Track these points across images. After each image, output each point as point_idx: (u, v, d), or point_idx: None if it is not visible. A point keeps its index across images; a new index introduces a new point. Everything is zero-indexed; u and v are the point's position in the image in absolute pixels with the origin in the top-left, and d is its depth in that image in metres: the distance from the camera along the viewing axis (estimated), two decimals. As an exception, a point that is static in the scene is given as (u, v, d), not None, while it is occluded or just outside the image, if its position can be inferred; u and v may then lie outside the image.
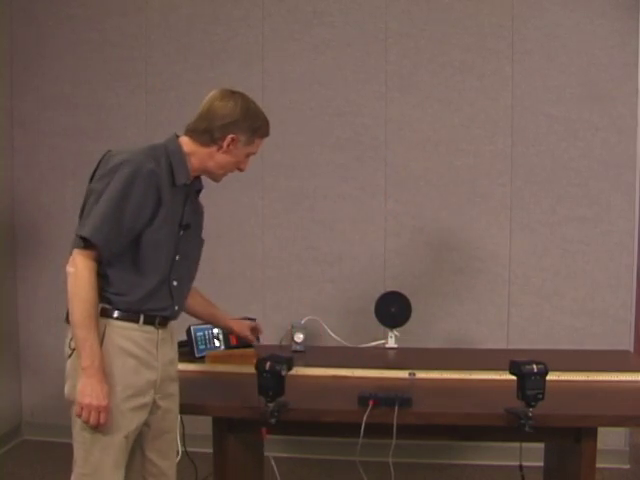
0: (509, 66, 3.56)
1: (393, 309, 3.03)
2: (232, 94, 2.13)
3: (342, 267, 3.70)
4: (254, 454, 2.71)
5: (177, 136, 2.12)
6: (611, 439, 3.43)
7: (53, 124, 3.83)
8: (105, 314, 1.99)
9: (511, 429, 2.05)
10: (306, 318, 3.10)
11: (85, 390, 1.90)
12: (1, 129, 3.83)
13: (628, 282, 3.57)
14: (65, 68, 3.81)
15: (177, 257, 2.08)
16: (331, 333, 3.20)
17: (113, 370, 1.97)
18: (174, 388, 2.16)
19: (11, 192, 3.89)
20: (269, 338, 2.99)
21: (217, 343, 2.78)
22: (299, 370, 2.47)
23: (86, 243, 1.93)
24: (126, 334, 2.01)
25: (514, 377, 2.06)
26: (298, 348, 2.90)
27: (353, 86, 3.65)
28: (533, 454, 2.65)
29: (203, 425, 2.39)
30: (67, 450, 2.06)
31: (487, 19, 3.56)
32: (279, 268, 3.74)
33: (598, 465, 2.15)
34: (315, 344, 3.11)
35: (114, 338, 1.99)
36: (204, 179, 2.19)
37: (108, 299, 1.99)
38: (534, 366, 2.02)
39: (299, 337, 2.93)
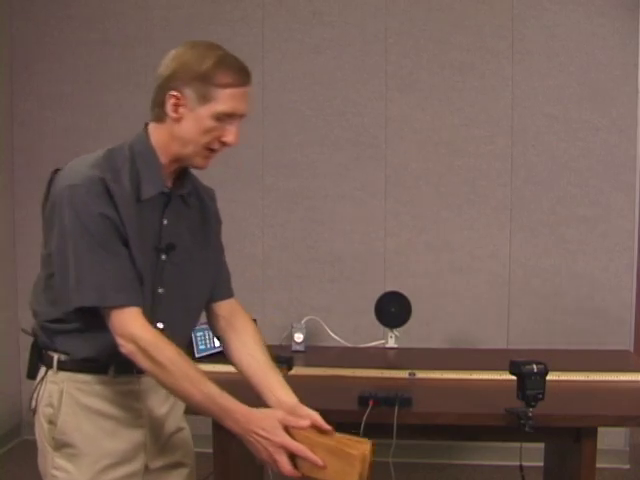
0: (509, 66, 3.56)
1: (393, 309, 3.03)
2: (183, 44, 1.61)
3: (342, 267, 3.70)
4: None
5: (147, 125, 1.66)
6: (611, 439, 3.42)
7: (53, 124, 3.83)
8: (63, 366, 1.60)
9: (511, 429, 2.04)
10: (306, 318, 3.10)
11: (255, 446, 1.53)
12: (1, 128, 3.83)
13: (628, 282, 3.57)
14: (65, 68, 3.81)
15: (160, 290, 1.62)
16: (331, 333, 3.20)
17: (79, 437, 1.58)
18: (178, 442, 1.79)
19: (11, 192, 3.89)
20: (269, 338, 2.98)
21: (217, 343, 2.77)
22: (299, 370, 2.47)
23: (108, 302, 1.51)
24: (93, 389, 1.61)
25: (514, 377, 2.06)
26: (298, 348, 2.90)
27: (353, 86, 3.65)
28: (533, 454, 2.65)
29: (203, 425, 2.39)
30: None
31: (487, 19, 3.56)
32: (279, 268, 3.74)
33: (598, 465, 2.15)
34: (315, 344, 3.11)
35: (77, 396, 1.60)
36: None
37: (67, 346, 1.60)
38: (534, 366, 2.02)
39: (299, 337, 2.93)
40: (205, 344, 2.75)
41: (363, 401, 2.12)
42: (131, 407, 1.65)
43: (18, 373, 3.91)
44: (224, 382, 2.43)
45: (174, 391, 1.54)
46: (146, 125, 1.67)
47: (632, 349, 3.52)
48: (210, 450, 2.28)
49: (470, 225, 3.63)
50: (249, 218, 3.74)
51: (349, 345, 3.12)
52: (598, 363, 2.69)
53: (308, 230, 3.72)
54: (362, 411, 2.08)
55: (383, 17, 3.62)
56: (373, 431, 2.05)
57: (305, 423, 1.55)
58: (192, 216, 1.71)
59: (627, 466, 3.57)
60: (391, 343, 3.02)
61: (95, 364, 1.59)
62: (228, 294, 1.84)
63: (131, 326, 1.51)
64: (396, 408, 2.08)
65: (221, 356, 2.70)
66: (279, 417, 1.55)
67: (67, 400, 1.59)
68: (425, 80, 3.62)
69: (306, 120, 3.68)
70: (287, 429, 1.53)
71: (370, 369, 2.58)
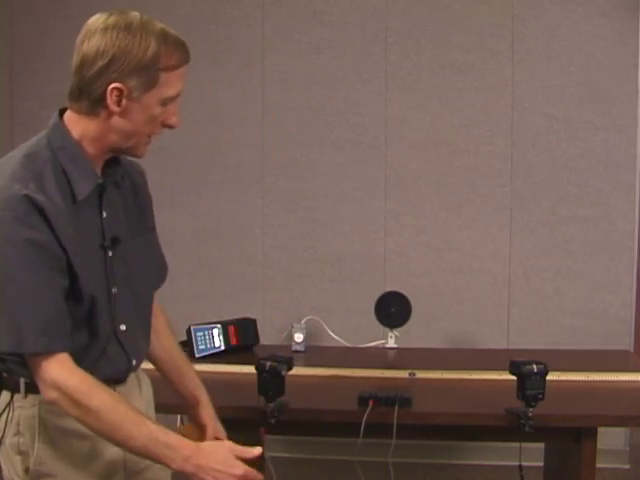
0: (509, 66, 3.56)
1: (393, 309, 3.02)
2: (106, 19, 1.39)
3: (342, 267, 3.70)
4: (254, 454, 2.71)
5: (62, 115, 1.46)
6: (611, 439, 3.42)
7: (53, 124, 3.82)
8: (32, 389, 1.43)
9: (511, 429, 2.05)
10: (306, 318, 3.10)
11: None
12: (1, 129, 3.83)
13: (628, 282, 3.57)
14: (65, 68, 3.77)
15: (114, 290, 1.49)
16: (331, 333, 3.20)
17: (59, 465, 1.46)
18: None
19: (11, 192, 3.89)
20: (269, 338, 2.99)
21: (217, 343, 2.77)
22: (299, 370, 2.47)
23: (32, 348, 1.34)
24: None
25: (514, 377, 2.06)
26: (298, 348, 2.89)
27: (353, 86, 3.65)
28: (533, 454, 2.65)
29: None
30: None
31: (487, 19, 3.56)
32: (279, 268, 3.74)
33: (598, 465, 2.15)
34: (315, 344, 3.11)
35: (52, 419, 1.45)
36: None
37: (26, 375, 1.43)
38: (534, 366, 2.02)
39: (299, 337, 2.92)
40: (205, 344, 2.74)
41: (363, 401, 2.12)
42: None
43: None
44: (226, 382, 2.43)
45: (112, 438, 1.40)
46: (61, 113, 1.47)
47: (632, 349, 3.52)
48: (210, 450, 2.27)
49: (470, 225, 3.63)
50: (249, 218, 3.74)
51: (349, 345, 3.12)
52: (598, 363, 2.69)
53: (308, 230, 3.72)
54: (362, 411, 2.08)
55: (383, 17, 3.62)
56: (373, 431, 2.05)
57: (257, 451, 1.52)
58: (126, 198, 1.55)
59: (627, 466, 3.57)
60: (391, 343, 3.02)
61: None
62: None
63: (52, 371, 1.35)
64: (396, 408, 2.08)
65: (221, 356, 2.71)
66: (229, 447, 1.50)
67: (41, 425, 1.45)
68: (425, 80, 3.62)
69: (306, 120, 3.68)
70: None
71: (370, 369, 2.58)
